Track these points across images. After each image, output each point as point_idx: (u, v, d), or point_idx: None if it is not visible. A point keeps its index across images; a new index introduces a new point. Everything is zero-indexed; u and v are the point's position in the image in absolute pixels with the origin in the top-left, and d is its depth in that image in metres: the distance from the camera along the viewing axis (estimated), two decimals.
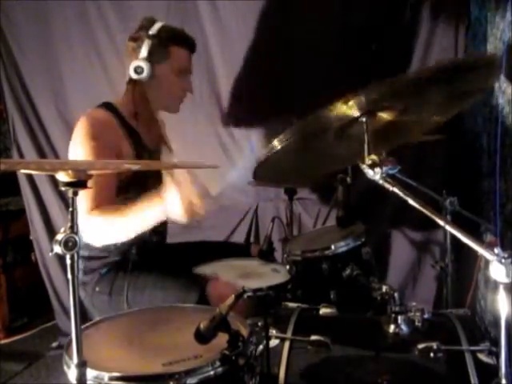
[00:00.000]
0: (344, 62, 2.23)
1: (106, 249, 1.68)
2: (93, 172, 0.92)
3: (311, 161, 1.39)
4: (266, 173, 1.37)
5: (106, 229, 1.49)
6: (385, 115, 1.17)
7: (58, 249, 0.86)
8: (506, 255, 0.87)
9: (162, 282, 1.64)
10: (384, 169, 1.04)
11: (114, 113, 1.65)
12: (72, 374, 0.93)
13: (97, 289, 1.67)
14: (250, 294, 1.17)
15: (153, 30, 1.64)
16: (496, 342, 0.94)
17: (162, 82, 1.68)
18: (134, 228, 1.50)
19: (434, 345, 1.09)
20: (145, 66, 1.62)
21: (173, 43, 1.66)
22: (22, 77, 2.60)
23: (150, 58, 1.63)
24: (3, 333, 2.79)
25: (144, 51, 1.62)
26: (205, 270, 1.47)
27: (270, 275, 1.56)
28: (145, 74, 1.62)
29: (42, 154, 2.63)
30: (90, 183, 0.92)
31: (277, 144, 1.12)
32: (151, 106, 1.73)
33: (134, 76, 1.64)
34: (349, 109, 1.08)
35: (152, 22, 1.67)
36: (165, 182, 1.40)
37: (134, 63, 1.63)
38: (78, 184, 0.90)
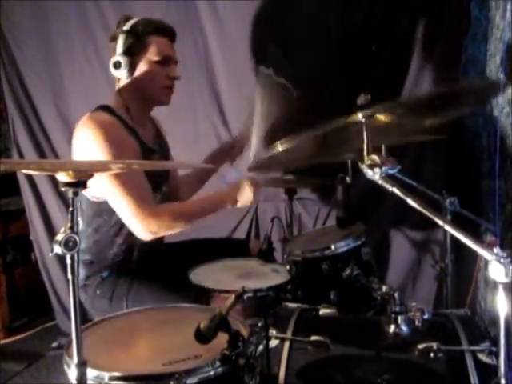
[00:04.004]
0: (344, 63, 2.23)
1: (106, 252, 1.68)
2: (94, 172, 0.92)
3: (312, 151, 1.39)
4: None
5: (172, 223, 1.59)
6: (382, 117, 1.17)
7: (58, 249, 0.86)
8: (504, 255, 0.87)
9: (163, 287, 1.63)
10: (384, 169, 1.03)
11: (113, 115, 1.64)
12: (72, 373, 0.93)
13: (97, 292, 1.66)
14: (250, 294, 1.17)
15: (127, 26, 1.65)
16: (496, 342, 0.94)
17: (146, 73, 1.66)
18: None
19: (434, 345, 1.09)
20: (122, 60, 1.62)
21: (149, 33, 1.65)
22: (22, 77, 2.61)
23: (128, 52, 1.63)
24: (3, 333, 2.79)
25: (120, 47, 1.62)
26: (203, 277, 1.47)
27: (270, 275, 1.56)
28: (124, 68, 1.62)
29: (41, 154, 2.64)
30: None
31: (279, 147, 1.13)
32: (142, 103, 1.72)
33: (115, 72, 1.64)
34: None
35: (127, 19, 1.68)
36: None
37: (112, 59, 1.63)
38: (78, 184, 0.89)
